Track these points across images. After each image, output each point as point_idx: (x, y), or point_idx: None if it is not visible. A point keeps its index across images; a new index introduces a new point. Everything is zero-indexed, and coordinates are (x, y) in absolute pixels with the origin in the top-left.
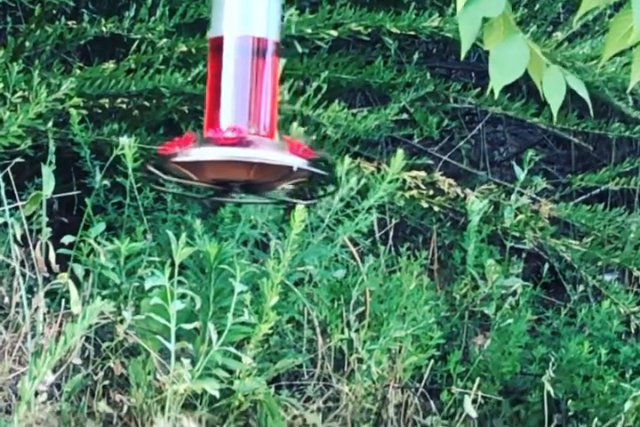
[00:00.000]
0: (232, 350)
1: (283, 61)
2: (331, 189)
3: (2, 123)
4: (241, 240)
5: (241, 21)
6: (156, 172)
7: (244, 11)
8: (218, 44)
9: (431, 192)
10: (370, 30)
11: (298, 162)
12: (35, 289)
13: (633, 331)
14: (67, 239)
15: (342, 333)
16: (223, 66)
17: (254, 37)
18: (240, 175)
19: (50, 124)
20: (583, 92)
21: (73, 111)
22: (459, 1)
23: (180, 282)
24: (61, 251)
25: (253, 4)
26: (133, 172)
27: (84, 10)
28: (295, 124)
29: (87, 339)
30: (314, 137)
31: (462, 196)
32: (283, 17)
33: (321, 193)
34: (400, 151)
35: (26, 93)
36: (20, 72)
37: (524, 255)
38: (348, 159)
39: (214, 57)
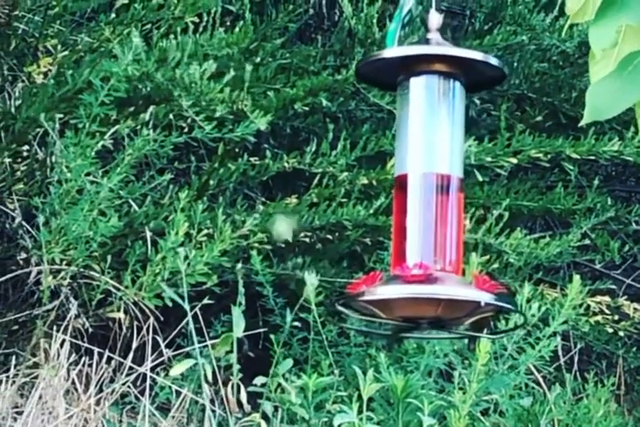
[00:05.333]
0: None
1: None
2: (517, 320)
3: (188, 261)
4: (425, 371)
5: (424, 159)
6: (345, 310)
7: (428, 149)
8: (402, 181)
9: (616, 317)
10: (549, 156)
11: (485, 297)
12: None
13: None
14: (259, 380)
15: None
16: (408, 203)
17: (438, 174)
18: (428, 312)
19: (239, 265)
20: None
21: (254, 251)
22: None
23: (367, 417)
24: (252, 389)
25: (437, 141)
26: (317, 306)
27: (265, 146)
28: (474, 253)
29: None
30: (496, 265)
31: None
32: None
33: (508, 327)
34: (577, 277)
35: (210, 231)
36: (205, 210)
37: None
38: (529, 286)
39: (399, 194)
